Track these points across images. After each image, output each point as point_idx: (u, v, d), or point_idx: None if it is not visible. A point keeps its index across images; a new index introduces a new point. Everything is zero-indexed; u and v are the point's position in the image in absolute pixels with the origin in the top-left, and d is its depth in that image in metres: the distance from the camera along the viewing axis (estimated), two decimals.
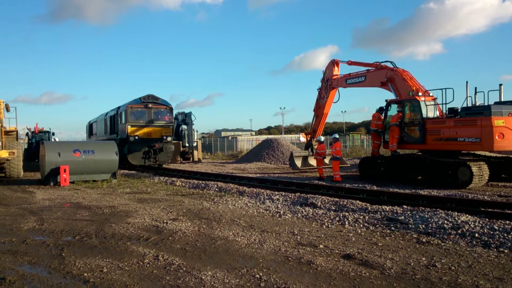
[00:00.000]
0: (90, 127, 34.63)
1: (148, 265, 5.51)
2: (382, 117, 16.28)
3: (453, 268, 5.23)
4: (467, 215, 7.95)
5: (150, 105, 23.13)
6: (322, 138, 20.03)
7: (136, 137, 22.34)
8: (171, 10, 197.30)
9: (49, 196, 12.60)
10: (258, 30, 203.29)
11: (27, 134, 31.74)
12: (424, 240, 6.65)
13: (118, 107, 24.81)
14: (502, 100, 14.25)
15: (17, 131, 19.33)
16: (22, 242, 6.87)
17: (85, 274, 5.18)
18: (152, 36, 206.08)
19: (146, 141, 22.61)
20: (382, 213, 8.63)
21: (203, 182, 15.34)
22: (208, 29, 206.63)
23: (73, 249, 6.36)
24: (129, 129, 22.45)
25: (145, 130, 22.84)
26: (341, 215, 8.56)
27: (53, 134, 33.11)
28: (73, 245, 6.63)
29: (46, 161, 15.60)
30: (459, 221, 7.41)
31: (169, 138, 23.03)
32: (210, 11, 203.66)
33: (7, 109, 18.01)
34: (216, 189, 13.47)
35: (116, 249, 6.35)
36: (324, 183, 14.51)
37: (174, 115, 24.25)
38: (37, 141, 29.50)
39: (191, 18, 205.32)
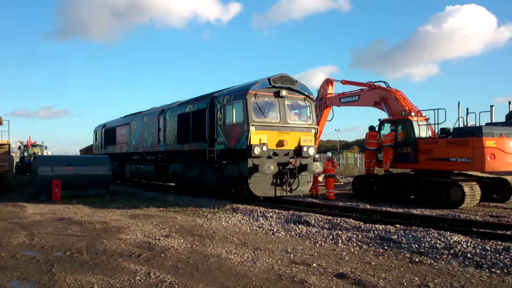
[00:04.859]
0: (107, 133, 24.64)
1: (139, 282, 5.45)
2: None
3: None
4: (459, 235, 7.98)
5: (283, 93, 13.30)
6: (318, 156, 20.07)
7: (264, 148, 12.68)
8: (177, 29, 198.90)
9: (40, 210, 12.45)
10: (260, 48, 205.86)
11: (19, 147, 31.53)
12: (417, 259, 6.65)
13: (212, 95, 14.82)
14: (493, 121, 14.49)
15: (9, 145, 19.20)
16: (11, 257, 6.77)
17: None
18: (156, 54, 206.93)
19: (277, 155, 13.15)
20: (376, 232, 8.63)
21: (197, 198, 15.25)
22: (212, 48, 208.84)
23: (63, 265, 6.28)
24: (254, 133, 12.67)
25: (277, 135, 13.12)
26: (335, 233, 8.56)
27: (46, 148, 33.02)
28: (64, 260, 6.55)
29: (38, 174, 15.48)
30: (452, 241, 7.43)
31: (311, 151, 13.62)
32: (215, 30, 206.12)
33: (0, 122, 17.94)
34: (210, 206, 13.39)
35: (107, 265, 6.28)
36: (318, 201, 14.50)
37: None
38: (29, 155, 29.36)
39: (196, 36, 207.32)
